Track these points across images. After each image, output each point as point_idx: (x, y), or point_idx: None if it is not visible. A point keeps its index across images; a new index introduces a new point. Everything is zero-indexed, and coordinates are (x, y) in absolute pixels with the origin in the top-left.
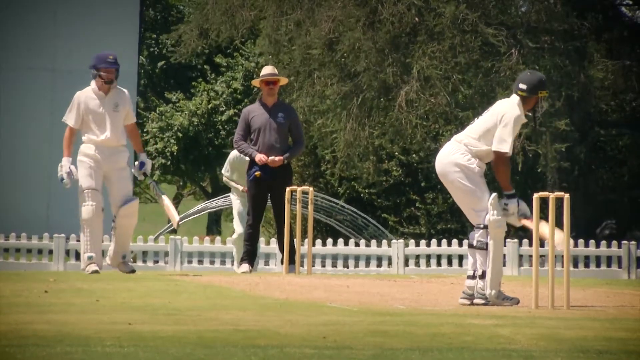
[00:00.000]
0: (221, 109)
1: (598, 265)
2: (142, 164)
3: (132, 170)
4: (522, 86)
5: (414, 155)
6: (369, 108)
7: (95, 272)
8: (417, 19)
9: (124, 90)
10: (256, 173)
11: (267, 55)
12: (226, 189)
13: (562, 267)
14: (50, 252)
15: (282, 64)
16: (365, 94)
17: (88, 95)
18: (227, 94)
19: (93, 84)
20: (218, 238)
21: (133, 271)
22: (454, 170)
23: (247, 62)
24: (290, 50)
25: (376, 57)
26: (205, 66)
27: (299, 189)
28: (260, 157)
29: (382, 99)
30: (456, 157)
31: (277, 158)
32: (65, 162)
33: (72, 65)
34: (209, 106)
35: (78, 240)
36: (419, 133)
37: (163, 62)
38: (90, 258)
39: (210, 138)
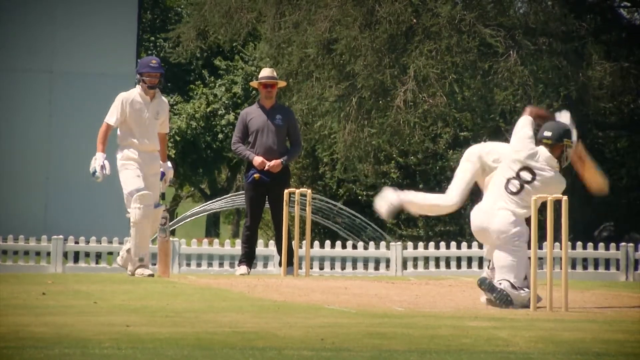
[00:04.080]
0: (220, 112)
1: (596, 267)
2: (162, 174)
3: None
4: (547, 134)
5: (412, 158)
6: (368, 110)
7: (151, 275)
8: (414, 20)
9: (165, 100)
10: (255, 175)
11: (266, 59)
12: (225, 191)
13: (560, 269)
14: (48, 254)
15: (282, 67)
16: (363, 94)
17: (134, 98)
18: (226, 97)
19: (139, 88)
20: (216, 240)
21: (151, 275)
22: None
23: (247, 65)
24: (289, 52)
25: (373, 57)
26: (204, 70)
27: (297, 191)
28: (259, 162)
29: (380, 101)
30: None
31: (276, 162)
32: (100, 156)
33: (70, 66)
34: (208, 109)
35: (76, 242)
36: (417, 134)
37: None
38: (141, 260)
39: (209, 141)
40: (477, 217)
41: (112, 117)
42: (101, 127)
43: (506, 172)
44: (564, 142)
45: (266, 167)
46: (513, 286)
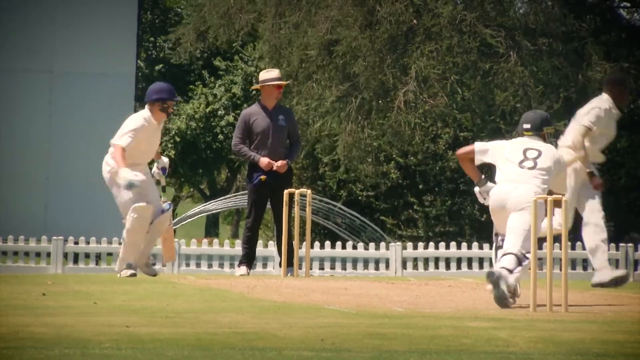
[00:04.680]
0: (220, 113)
1: None
2: (163, 170)
3: (154, 175)
4: (526, 125)
5: (412, 158)
6: (368, 110)
7: (133, 274)
8: (414, 21)
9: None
10: (262, 177)
11: (266, 59)
12: (224, 192)
13: (560, 269)
14: (48, 254)
15: (282, 68)
16: (363, 95)
17: (148, 125)
18: (226, 98)
19: (147, 112)
20: (216, 241)
21: (133, 274)
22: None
23: (247, 66)
24: (289, 53)
25: (374, 57)
26: (203, 70)
27: (297, 191)
28: (266, 163)
29: (380, 101)
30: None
31: (282, 163)
32: (127, 170)
33: (70, 66)
34: (207, 110)
35: (76, 243)
36: (418, 134)
37: (161, 65)
38: (129, 266)
39: (208, 142)
40: (497, 192)
41: (127, 141)
42: (117, 150)
43: (514, 157)
44: (544, 131)
45: (274, 167)
46: (519, 261)
